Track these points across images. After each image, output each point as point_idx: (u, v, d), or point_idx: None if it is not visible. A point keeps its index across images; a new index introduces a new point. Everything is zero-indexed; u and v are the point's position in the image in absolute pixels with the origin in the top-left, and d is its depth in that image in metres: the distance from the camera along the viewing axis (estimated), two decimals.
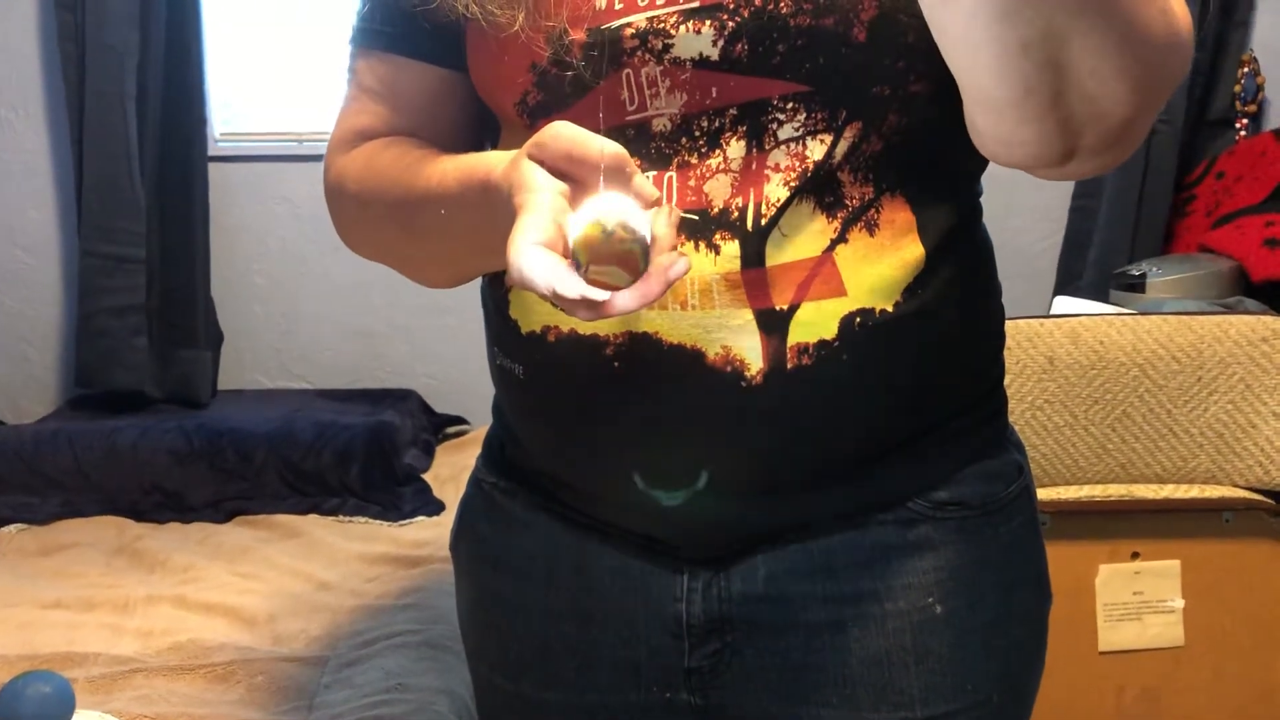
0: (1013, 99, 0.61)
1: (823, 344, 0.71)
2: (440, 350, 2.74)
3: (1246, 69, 2.49)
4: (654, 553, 0.80)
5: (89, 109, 2.49)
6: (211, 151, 2.66)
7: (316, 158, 2.76)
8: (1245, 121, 2.50)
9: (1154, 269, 2.07)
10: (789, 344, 0.71)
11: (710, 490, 0.75)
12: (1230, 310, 1.74)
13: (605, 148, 0.59)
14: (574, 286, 0.56)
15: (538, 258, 0.57)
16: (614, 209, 0.56)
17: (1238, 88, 2.50)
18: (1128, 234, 2.46)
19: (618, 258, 0.56)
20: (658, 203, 0.60)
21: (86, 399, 2.60)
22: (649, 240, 0.57)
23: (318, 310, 2.75)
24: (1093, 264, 2.49)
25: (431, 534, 2.06)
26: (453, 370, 2.73)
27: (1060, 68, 0.59)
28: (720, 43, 0.69)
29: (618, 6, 0.70)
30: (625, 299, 0.57)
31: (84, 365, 2.56)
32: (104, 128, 2.49)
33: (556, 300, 0.57)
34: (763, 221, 0.70)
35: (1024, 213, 2.63)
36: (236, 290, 2.74)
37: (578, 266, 0.56)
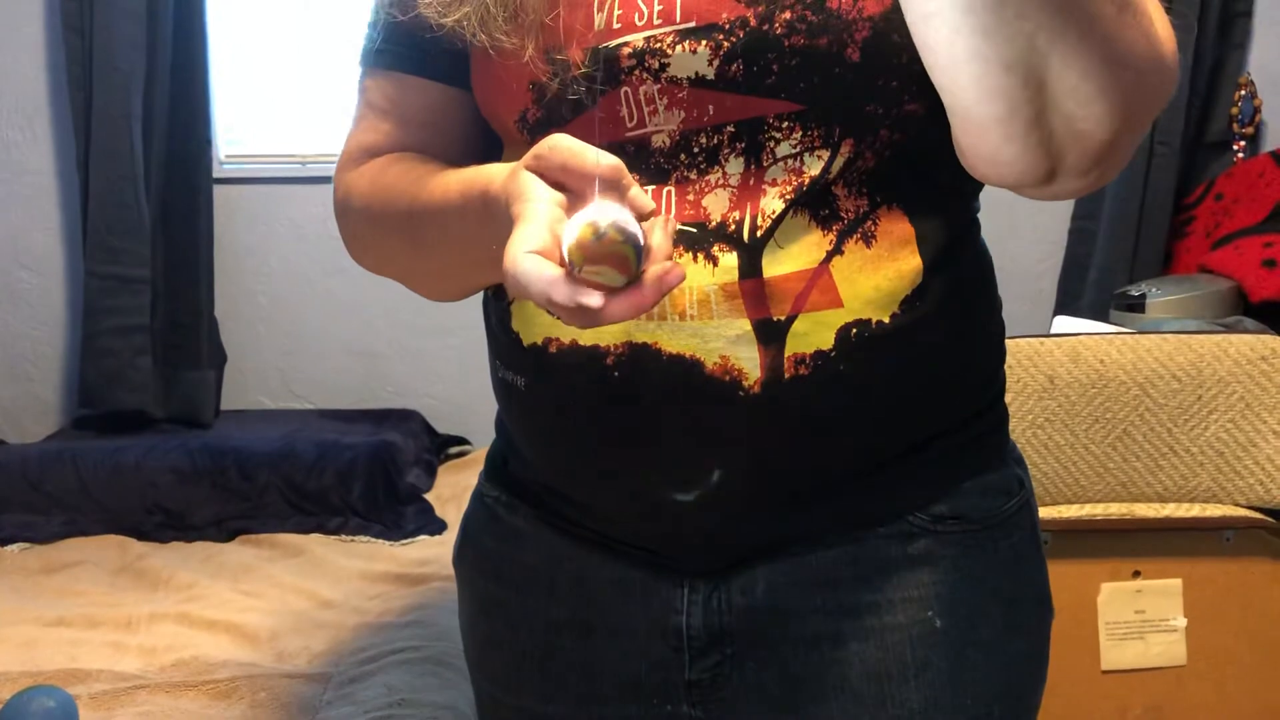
0: (996, 116, 0.61)
1: (820, 354, 0.72)
2: (443, 371, 2.75)
3: (1244, 91, 2.51)
4: (654, 565, 0.80)
5: (95, 131, 2.51)
6: (216, 173, 2.68)
7: (320, 180, 2.79)
8: (1243, 143, 2.52)
9: (1154, 289, 2.08)
10: (786, 354, 0.71)
11: (708, 499, 0.76)
12: (1230, 329, 1.75)
13: (601, 159, 0.60)
14: (568, 293, 0.56)
15: (533, 265, 0.57)
16: (608, 213, 0.57)
17: (1235, 110, 2.51)
18: (1127, 255, 2.47)
19: (610, 258, 0.56)
20: (654, 214, 0.60)
21: (89, 419, 2.61)
22: (643, 242, 0.57)
23: (321, 331, 2.76)
24: (1092, 285, 2.50)
25: (434, 553, 2.06)
26: (455, 391, 2.74)
27: (1042, 86, 0.60)
28: (716, 62, 0.70)
29: (616, 26, 0.71)
30: (619, 307, 0.58)
31: (87, 385, 2.57)
32: (110, 149, 2.51)
33: (551, 307, 0.58)
34: (759, 233, 0.71)
35: (1023, 234, 2.65)
36: (240, 311, 2.76)
37: (571, 269, 0.56)
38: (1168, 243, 2.50)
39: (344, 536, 2.18)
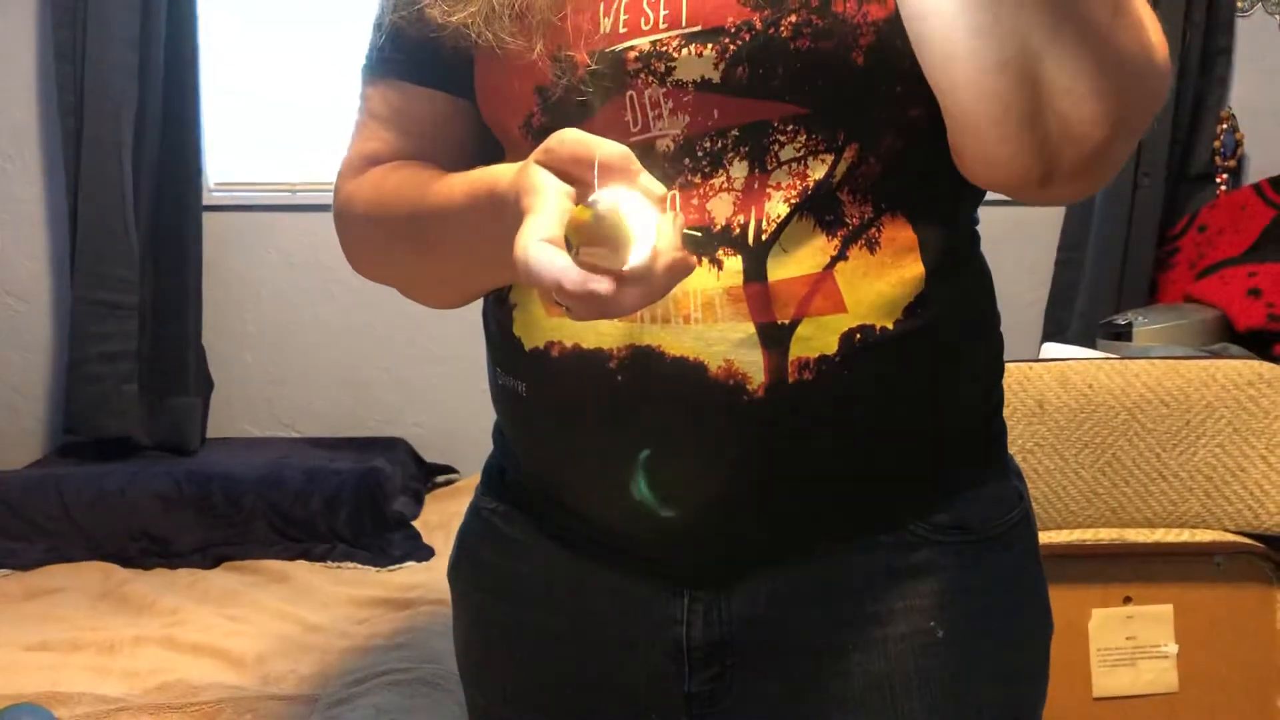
0: (990, 117, 0.62)
1: (824, 359, 0.72)
2: (431, 400, 2.75)
3: (1225, 125, 2.56)
4: (654, 574, 0.80)
5: (85, 158, 2.51)
6: (206, 201, 2.69)
7: (310, 208, 2.79)
8: (1225, 176, 2.56)
9: (1140, 318, 2.10)
10: (790, 358, 0.71)
11: (711, 504, 0.75)
12: (1216, 355, 1.77)
13: (610, 149, 0.60)
14: (578, 280, 0.56)
15: (543, 253, 0.57)
16: (610, 196, 0.56)
17: (1217, 144, 2.56)
18: (1114, 286, 2.50)
19: (609, 241, 0.56)
20: (664, 199, 0.60)
21: (74, 446, 2.58)
22: (646, 227, 0.56)
23: (308, 359, 2.75)
24: (1079, 315, 2.53)
25: (422, 578, 2.05)
26: (443, 420, 2.73)
27: (1037, 86, 0.61)
28: (722, 65, 0.70)
29: (622, 30, 0.72)
30: (629, 294, 0.57)
31: (73, 412, 2.55)
32: (100, 176, 2.51)
33: (560, 296, 0.57)
34: (764, 237, 0.71)
35: (1010, 266, 2.67)
36: (228, 338, 2.75)
37: (570, 250, 0.56)
38: (1153, 273, 2.53)
39: (330, 563, 2.17)
